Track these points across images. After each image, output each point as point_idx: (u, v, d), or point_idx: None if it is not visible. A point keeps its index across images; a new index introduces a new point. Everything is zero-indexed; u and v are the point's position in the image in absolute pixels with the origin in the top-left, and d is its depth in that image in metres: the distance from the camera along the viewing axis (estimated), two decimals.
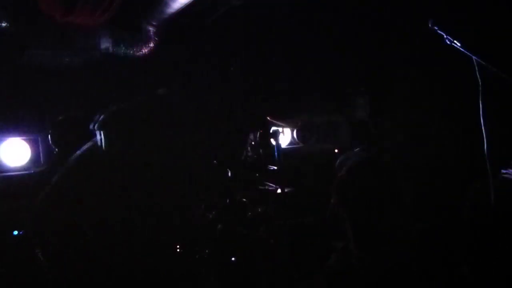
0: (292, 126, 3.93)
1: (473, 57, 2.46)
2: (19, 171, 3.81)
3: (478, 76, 2.55)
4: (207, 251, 2.92)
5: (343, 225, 2.62)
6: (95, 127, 2.23)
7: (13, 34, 3.79)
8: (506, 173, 2.87)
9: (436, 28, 2.54)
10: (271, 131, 3.00)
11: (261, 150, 3.52)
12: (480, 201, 2.89)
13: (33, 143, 3.97)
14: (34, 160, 3.94)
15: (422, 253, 3.00)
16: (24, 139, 3.93)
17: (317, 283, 2.91)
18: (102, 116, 2.21)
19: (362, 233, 2.58)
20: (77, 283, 1.80)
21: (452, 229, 3.32)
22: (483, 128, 2.73)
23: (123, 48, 4.10)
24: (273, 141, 3.17)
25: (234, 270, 2.95)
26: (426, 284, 3.12)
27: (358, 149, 2.89)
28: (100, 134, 2.17)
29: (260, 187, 3.41)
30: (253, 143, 3.40)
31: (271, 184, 3.44)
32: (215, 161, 3.13)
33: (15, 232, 3.03)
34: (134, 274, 2.45)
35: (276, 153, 3.07)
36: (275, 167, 3.20)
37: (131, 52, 4.17)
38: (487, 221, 2.84)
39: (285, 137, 4.48)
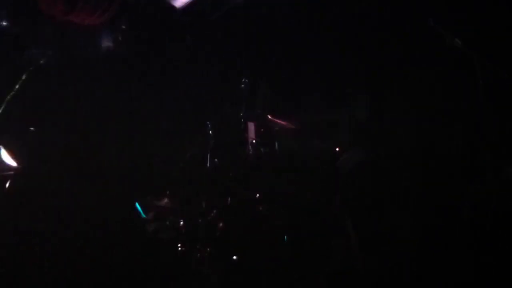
0: (292, 125, 3.93)
1: (474, 55, 2.46)
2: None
3: (478, 74, 2.55)
4: (208, 249, 2.92)
5: (344, 224, 2.63)
6: None
7: (13, 34, 3.78)
8: (506, 172, 2.87)
9: (436, 26, 2.54)
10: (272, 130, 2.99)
11: (262, 149, 3.52)
12: (480, 200, 2.90)
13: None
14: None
15: (422, 253, 3.00)
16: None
17: (318, 282, 2.92)
18: None
19: (363, 232, 2.59)
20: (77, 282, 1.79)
21: (452, 228, 3.32)
22: (483, 126, 2.73)
23: (124, 46, 4.07)
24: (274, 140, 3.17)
25: (234, 269, 2.95)
26: (426, 284, 3.12)
27: (358, 148, 2.88)
28: None
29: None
30: (254, 141, 3.40)
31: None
32: (216, 160, 3.13)
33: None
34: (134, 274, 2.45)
35: (277, 152, 3.06)
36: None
37: (132, 50, 4.15)
38: (487, 220, 2.84)
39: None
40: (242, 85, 3.59)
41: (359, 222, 2.83)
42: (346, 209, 2.96)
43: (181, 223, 3.31)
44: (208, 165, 3.48)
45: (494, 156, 2.73)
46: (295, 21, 4.71)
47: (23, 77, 1.77)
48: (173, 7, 3.94)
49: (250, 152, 3.45)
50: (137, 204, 3.75)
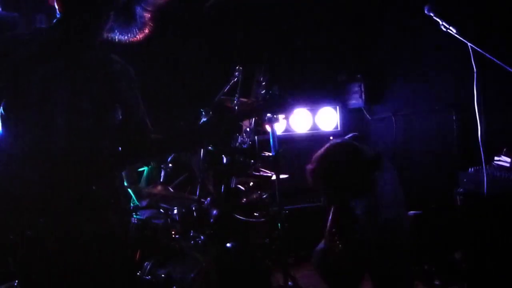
0: (286, 113, 3.92)
1: (469, 44, 2.45)
2: None
3: (473, 63, 2.54)
4: (202, 237, 2.92)
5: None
6: None
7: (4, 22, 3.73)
8: (498, 160, 2.89)
9: (432, 14, 2.53)
10: (266, 118, 2.98)
11: (256, 137, 3.51)
12: (473, 188, 2.92)
13: None
14: None
15: (415, 239, 3.02)
16: None
17: (312, 270, 2.93)
18: None
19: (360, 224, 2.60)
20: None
21: (445, 215, 3.35)
22: (477, 115, 2.74)
23: (118, 34, 4.02)
24: (268, 128, 3.16)
25: (229, 256, 2.95)
26: (419, 269, 3.13)
27: (350, 135, 2.88)
28: None
29: (255, 173, 3.41)
30: (248, 129, 3.39)
31: (265, 171, 3.44)
32: (210, 148, 3.11)
33: None
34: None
35: (271, 140, 3.06)
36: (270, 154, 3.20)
37: (126, 38, 4.10)
38: (480, 207, 2.86)
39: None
40: (236, 73, 3.56)
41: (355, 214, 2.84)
42: (342, 199, 2.95)
43: (175, 210, 3.30)
44: (202, 152, 3.47)
45: (488, 144, 2.74)
46: (291, 8, 4.71)
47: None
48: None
49: (244, 140, 3.44)
50: (130, 192, 3.74)
